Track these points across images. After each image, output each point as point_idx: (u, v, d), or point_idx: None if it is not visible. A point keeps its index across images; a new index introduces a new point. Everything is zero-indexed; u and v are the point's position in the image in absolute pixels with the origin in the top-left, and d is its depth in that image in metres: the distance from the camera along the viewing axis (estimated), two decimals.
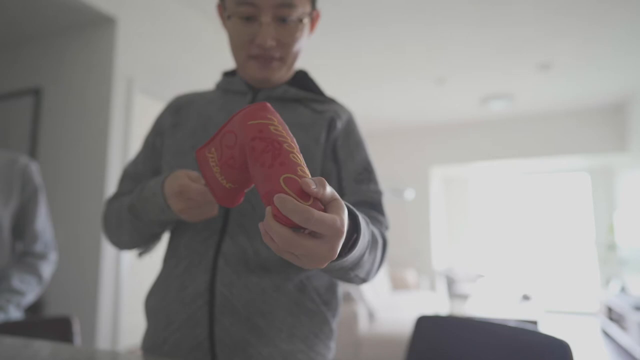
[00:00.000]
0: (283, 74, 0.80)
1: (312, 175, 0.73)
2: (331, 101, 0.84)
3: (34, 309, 2.62)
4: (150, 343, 0.72)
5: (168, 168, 0.79)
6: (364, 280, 0.69)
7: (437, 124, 6.37)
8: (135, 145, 2.78)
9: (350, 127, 0.82)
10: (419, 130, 6.55)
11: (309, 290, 0.74)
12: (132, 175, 0.86)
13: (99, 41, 2.73)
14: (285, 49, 0.76)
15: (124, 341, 2.65)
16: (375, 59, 4.10)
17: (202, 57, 3.33)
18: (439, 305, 5.47)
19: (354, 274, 0.64)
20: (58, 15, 2.72)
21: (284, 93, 0.80)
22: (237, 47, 0.77)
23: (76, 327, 1.14)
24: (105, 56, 2.68)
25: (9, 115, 3.04)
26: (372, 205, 0.77)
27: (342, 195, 0.76)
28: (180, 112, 0.84)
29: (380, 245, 0.70)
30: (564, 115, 5.71)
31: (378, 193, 0.79)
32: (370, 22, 3.41)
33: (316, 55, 4.00)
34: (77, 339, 1.13)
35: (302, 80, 0.86)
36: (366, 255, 0.62)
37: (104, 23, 2.72)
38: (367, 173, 0.79)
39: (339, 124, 0.80)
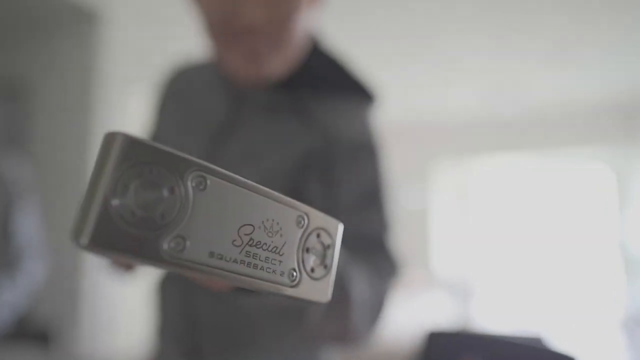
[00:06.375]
0: None
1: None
2: (335, 100, 0.72)
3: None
4: (157, 335, 0.78)
5: None
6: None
7: (439, 122, 6.33)
8: None
9: (356, 145, 0.68)
10: (418, 130, 6.49)
11: None
12: None
13: (84, 38, 2.77)
14: None
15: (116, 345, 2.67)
16: (374, 59, 4.06)
17: (192, 53, 3.31)
18: (439, 305, 5.40)
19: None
20: (42, 12, 2.75)
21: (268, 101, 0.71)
22: None
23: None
24: (90, 53, 2.73)
25: None
26: (371, 244, 0.69)
27: None
28: None
29: (375, 303, 0.64)
30: (574, 111, 5.66)
31: (382, 226, 0.72)
32: (370, 21, 3.38)
33: None
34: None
35: (316, 59, 0.74)
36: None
37: (89, 19, 2.76)
38: (366, 202, 0.70)
39: (328, 153, 0.65)
